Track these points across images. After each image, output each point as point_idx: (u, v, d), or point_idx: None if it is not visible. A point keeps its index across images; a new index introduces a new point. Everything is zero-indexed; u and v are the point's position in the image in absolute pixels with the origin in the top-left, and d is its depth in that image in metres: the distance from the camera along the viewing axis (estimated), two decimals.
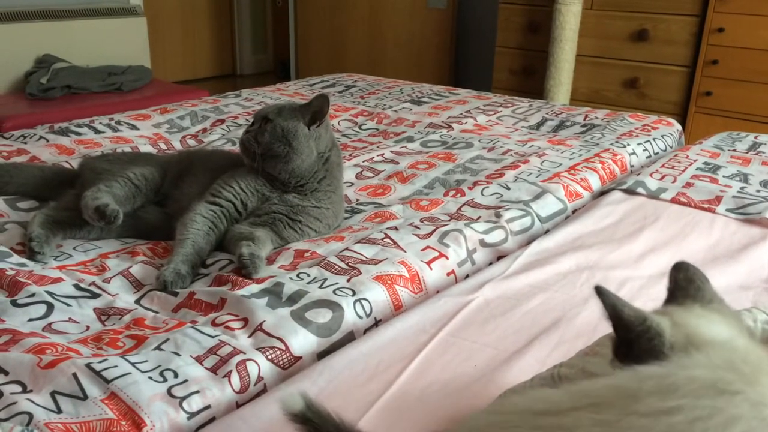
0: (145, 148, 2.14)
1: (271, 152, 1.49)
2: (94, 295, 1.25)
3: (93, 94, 3.54)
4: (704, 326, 0.62)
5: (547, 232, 1.65)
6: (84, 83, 3.55)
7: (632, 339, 0.61)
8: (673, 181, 1.88)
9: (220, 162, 1.65)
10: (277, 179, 1.52)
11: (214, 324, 1.15)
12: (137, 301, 1.26)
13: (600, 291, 0.64)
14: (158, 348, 1.06)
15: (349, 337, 1.20)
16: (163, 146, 2.19)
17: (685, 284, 0.71)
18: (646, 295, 1.31)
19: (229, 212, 1.48)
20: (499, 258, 1.54)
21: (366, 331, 1.23)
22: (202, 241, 1.40)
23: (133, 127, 2.33)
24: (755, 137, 2.33)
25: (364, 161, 2.09)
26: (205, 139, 2.27)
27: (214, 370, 1.03)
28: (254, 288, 1.25)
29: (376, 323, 1.25)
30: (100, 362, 0.99)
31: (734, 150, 2.19)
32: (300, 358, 1.12)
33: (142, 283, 1.32)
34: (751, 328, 0.86)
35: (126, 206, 1.51)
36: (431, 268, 1.41)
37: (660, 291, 1.31)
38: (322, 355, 1.15)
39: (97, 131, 2.25)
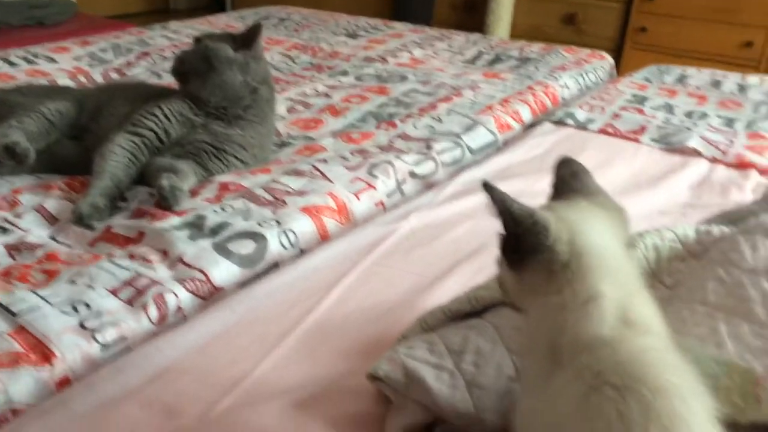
0: (64, 82, 2.04)
1: (193, 70, 1.48)
2: (4, 231, 1.20)
3: (13, 28, 3.34)
4: (586, 224, 0.63)
5: (477, 163, 1.66)
6: (3, 17, 3.34)
7: (520, 234, 0.62)
8: (602, 113, 1.91)
9: (141, 93, 1.58)
10: (199, 99, 1.48)
11: (131, 257, 1.12)
12: (52, 236, 1.22)
13: (488, 186, 0.63)
14: (70, 281, 1.03)
15: (274, 268, 1.19)
16: (83, 80, 2.09)
17: (570, 179, 0.70)
18: None
19: (151, 142, 1.43)
20: (429, 189, 1.54)
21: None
22: (121, 173, 1.36)
23: (52, 60, 2.21)
24: (683, 70, 2.37)
25: (296, 95, 2.05)
26: (129, 73, 2.18)
27: (129, 301, 1.01)
28: (175, 221, 1.22)
29: (303, 254, 1.24)
30: (7, 296, 0.96)
31: (662, 82, 2.23)
32: (221, 288, 1.11)
33: (57, 218, 1.27)
34: (658, 246, 0.88)
35: (39, 143, 1.45)
36: (359, 199, 1.40)
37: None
38: (245, 285, 1.13)
39: (11, 64, 2.12)
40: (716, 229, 0.89)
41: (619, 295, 0.59)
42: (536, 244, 0.61)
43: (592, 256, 0.60)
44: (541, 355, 0.60)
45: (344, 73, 2.30)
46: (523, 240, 0.62)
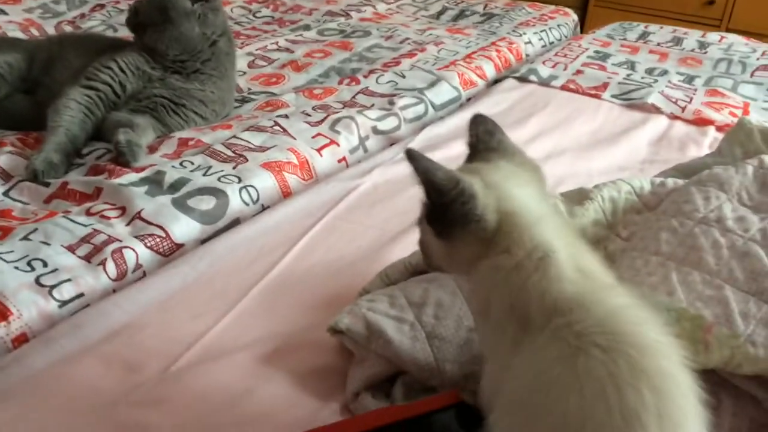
0: (15, 35, 1.96)
1: (149, 21, 1.43)
2: None
3: None
4: (513, 188, 0.61)
5: (441, 119, 1.65)
6: None
7: (446, 203, 0.58)
8: (564, 69, 1.91)
9: (95, 45, 1.54)
10: (156, 52, 1.44)
11: (88, 213, 1.10)
12: (5, 193, 1.19)
13: (411, 155, 0.59)
14: (26, 238, 1.00)
15: (236, 224, 1.18)
16: (35, 33, 2.02)
17: (486, 138, 0.67)
18: None
19: (107, 96, 1.39)
20: (392, 145, 1.53)
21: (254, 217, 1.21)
22: (76, 128, 1.32)
23: (1, 12, 2.12)
24: (645, 26, 2.38)
25: (257, 50, 2.01)
26: (83, 26, 2.11)
27: (87, 258, 0.99)
28: (133, 177, 1.20)
29: (264, 210, 1.23)
30: None
31: (624, 39, 2.24)
32: (182, 245, 1.09)
33: (10, 175, 1.24)
34: (615, 198, 0.89)
35: None
36: (322, 155, 1.39)
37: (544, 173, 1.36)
38: (206, 242, 1.12)
39: None
40: (671, 181, 0.90)
41: (568, 249, 0.58)
42: (465, 214, 0.58)
43: (526, 216, 0.59)
44: (502, 318, 0.58)
45: (306, 27, 2.26)
46: (449, 210, 0.58)
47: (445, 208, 0.59)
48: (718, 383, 0.73)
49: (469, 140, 0.68)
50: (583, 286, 0.56)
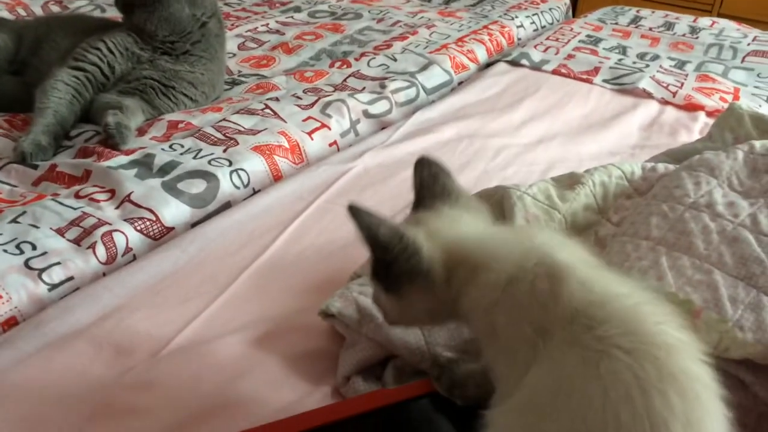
0: (1, 14, 1.93)
1: (138, 1, 1.40)
2: None
3: None
4: (458, 232, 0.61)
5: (432, 103, 1.65)
6: None
7: (390, 260, 0.58)
8: (556, 53, 1.91)
9: (84, 25, 1.52)
10: (145, 32, 1.42)
11: (77, 196, 1.09)
12: None
13: (353, 211, 0.58)
14: (14, 221, 1.00)
15: (226, 208, 1.17)
16: (22, 12, 1.99)
17: (430, 182, 0.66)
18: (520, 161, 1.34)
19: (95, 77, 1.38)
20: (383, 129, 1.53)
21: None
22: (64, 110, 1.31)
23: None
24: (637, 11, 2.38)
25: (247, 31, 1.99)
26: (70, 5, 2.08)
27: (77, 241, 0.99)
28: (122, 159, 1.19)
29: (255, 194, 1.23)
30: None
31: (616, 23, 2.23)
32: (172, 228, 1.09)
33: None
34: (606, 183, 0.90)
35: None
36: (312, 139, 1.38)
37: (534, 157, 1.36)
38: (197, 225, 1.12)
39: None
40: (661, 166, 0.90)
41: (563, 247, 0.57)
42: (410, 269, 0.58)
43: (481, 244, 0.59)
44: (511, 334, 0.56)
45: (297, 9, 2.25)
46: (395, 265, 0.58)
47: (390, 265, 0.59)
48: None
49: (414, 185, 0.67)
50: (591, 285, 0.54)
